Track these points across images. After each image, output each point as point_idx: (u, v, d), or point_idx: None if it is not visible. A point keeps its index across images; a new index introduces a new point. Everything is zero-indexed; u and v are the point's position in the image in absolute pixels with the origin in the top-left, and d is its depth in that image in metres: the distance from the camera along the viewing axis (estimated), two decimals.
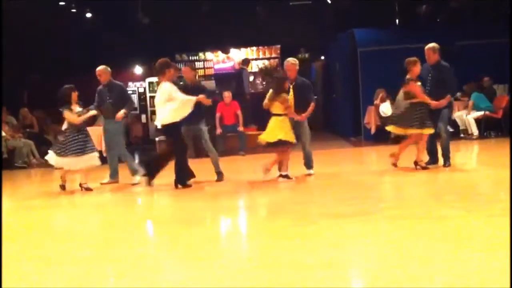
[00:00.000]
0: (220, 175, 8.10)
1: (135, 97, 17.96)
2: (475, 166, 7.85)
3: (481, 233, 4.31)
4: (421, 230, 4.50)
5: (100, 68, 8.56)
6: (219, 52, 17.59)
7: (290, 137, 7.58)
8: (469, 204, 5.56)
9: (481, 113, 11.77)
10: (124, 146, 8.55)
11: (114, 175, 8.52)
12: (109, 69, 8.62)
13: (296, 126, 7.81)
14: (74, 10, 15.39)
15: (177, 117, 7.52)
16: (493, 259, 3.55)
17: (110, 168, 8.51)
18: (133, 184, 8.20)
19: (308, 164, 8.06)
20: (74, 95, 8.03)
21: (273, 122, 7.65)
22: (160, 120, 7.64)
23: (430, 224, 4.69)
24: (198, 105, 7.74)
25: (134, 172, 8.32)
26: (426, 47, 7.89)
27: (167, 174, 8.48)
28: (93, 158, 7.98)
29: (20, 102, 14.58)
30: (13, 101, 14.17)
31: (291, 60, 7.97)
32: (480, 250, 3.82)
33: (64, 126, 8.09)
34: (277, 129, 7.57)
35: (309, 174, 7.99)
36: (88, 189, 7.98)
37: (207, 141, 8.20)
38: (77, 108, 8.05)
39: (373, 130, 13.05)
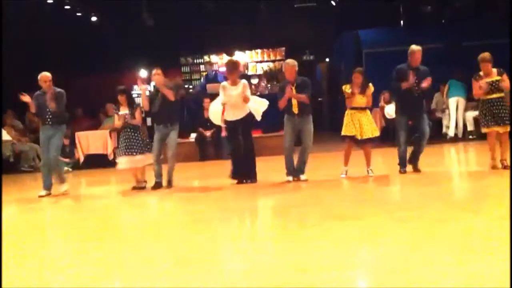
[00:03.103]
0: (170, 183, 8.21)
1: (140, 101, 18.01)
2: (481, 168, 7.81)
3: (488, 235, 4.29)
4: (428, 232, 4.48)
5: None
6: (224, 55, 17.63)
7: (376, 131, 7.98)
8: (476, 206, 5.54)
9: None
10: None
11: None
12: None
13: (301, 126, 7.85)
14: (79, 14, 15.46)
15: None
16: (500, 261, 3.54)
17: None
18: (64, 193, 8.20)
19: (302, 169, 7.98)
20: (121, 98, 8.25)
21: (361, 117, 7.84)
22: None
23: (437, 226, 4.67)
24: (164, 105, 8.06)
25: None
26: (418, 48, 7.79)
27: (175, 177, 8.49)
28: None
29: (26, 105, 14.62)
30: (20, 104, 14.21)
31: (290, 62, 7.99)
32: (487, 252, 3.80)
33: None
34: (368, 125, 7.87)
35: (305, 180, 7.89)
36: (141, 188, 8.25)
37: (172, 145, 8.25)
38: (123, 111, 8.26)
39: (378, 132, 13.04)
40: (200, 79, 17.35)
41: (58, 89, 8.32)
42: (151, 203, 7.64)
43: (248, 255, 4.34)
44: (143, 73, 18.45)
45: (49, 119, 8.15)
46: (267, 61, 18.04)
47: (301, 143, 7.99)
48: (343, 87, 8.05)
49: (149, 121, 17.57)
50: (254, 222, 5.94)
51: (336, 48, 16.63)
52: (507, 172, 7.26)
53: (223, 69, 17.29)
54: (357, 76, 7.88)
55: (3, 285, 3.81)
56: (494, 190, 6.48)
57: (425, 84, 7.72)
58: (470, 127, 12.65)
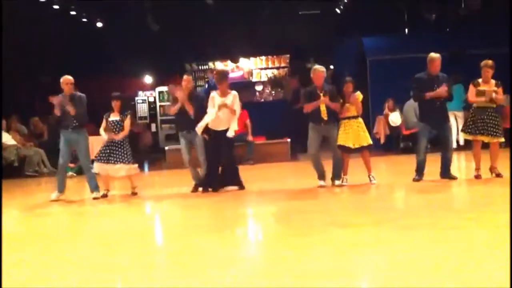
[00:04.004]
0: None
1: (145, 106, 18.10)
2: (484, 177, 7.78)
3: (490, 243, 4.29)
4: (431, 240, 4.48)
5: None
6: (229, 62, 17.67)
7: (368, 139, 7.91)
8: (479, 214, 5.53)
9: None
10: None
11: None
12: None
13: (328, 132, 7.87)
14: (85, 20, 15.53)
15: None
16: (501, 269, 3.53)
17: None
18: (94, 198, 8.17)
19: (338, 174, 7.99)
20: (115, 104, 8.22)
21: (353, 126, 7.82)
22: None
23: (439, 234, 4.67)
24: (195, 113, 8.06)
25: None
26: (437, 56, 7.73)
27: (175, 183, 8.50)
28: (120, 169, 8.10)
29: (31, 110, 14.71)
30: (24, 109, 14.29)
31: (319, 68, 7.91)
32: (489, 260, 3.80)
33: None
34: (362, 133, 7.82)
35: (340, 185, 7.88)
36: (134, 194, 8.25)
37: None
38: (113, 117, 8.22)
39: (382, 140, 13.01)
40: (205, 85, 17.40)
41: (79, 93, 8.28)
42: (152, 209, 7.65)
43: (249, 261, 4.35)
44: (147, 78, 18.53)
45: (73, 123, 8.10)
46: (271, 68, 18.09)
47: (331, 150, 7.98)
48: None
49: (153, 127, 17.68)
50: (255, 228, 5.94)
51: (340, 55, 16.63)
52: (508, 180, 7.25)
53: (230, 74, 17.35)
54: (349, 85, 7.88)
55: (3, 285, 3.82)
56: (495, 198, 6.46)
57: (444, 91, 7.73)
58: None
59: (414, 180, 7.85)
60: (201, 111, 8.08)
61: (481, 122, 7.58)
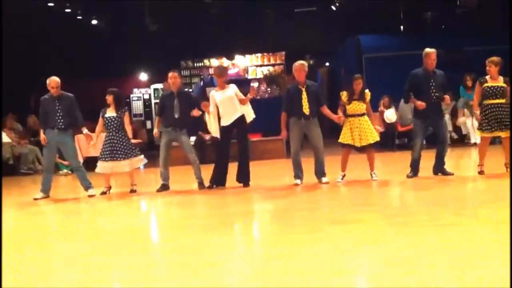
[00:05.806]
0: (201, 185, 8.16)
1: (140, 104, 18.06)
2: (491, 173, 7.78)
3: (489, 240, 4.29)
4: (429, 237, 4.48)
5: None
6: (224, 59, 17.64)
7: (376, 136, 7.88)
8: (477, 211, 5.54)
9: None
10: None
11: None
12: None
13: (308, 129, 7.83)
14: (80, 17, 15.47)
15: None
16: (500, 266, 3.53)
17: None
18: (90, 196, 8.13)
19: (322, 171, 7.99)
20: (108, 98, 8.20)
21: (357, 123, 7.80)
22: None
23: (437, 231, 4.67)
24: (184, 111, 8.00)
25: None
26: (432, 50, 7.71)
27: (171, 181, 8.47)
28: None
29: (27, 108, 14.64)
30: (20, 107, 14.23)
31: (299, 63, 7.88)
32: (488, 257, 3.80)
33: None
34: (368, 131, 7.82)
35: (326, 182, 7.86)
36: (133, 191, 8.25)
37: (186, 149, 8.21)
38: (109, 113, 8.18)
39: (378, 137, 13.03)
40: (199, 82, 17.38)
41: (66, 93, 8.16)
42: (150, 207, 7.63)
43: (247, 260, 4.34)
44: (143, 76, 18.49)
45: (60, 124, 7.99)
46: (267, 65, 18.06)
47: (312, 148, 7.96)
48: (341, 93, 8.00)
49: (148, 124, 17.65)
50: (253, 226, 5.93)
51: (336, 53, 16.65)
52: (508, 177, 7.26)
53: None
54: (358, 82, 7.86)
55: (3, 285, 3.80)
56: (493, 195, 6.47)
57: (448, 103, 7.77)
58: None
59: (408, 176, 7.85)
60: (190, 109, 8.07)
61: (494, 118, 7.54)
